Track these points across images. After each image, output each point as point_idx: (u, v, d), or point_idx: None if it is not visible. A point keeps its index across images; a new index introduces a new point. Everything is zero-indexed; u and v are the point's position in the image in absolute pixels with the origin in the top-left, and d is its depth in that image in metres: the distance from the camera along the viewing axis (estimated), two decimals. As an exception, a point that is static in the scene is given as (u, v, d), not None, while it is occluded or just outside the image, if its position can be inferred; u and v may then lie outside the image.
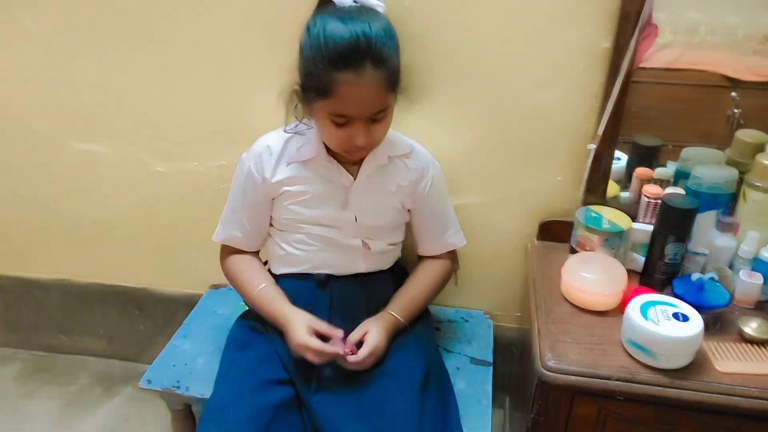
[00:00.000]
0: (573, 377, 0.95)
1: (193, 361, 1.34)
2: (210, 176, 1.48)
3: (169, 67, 1.36)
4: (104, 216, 1.60)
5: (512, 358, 1.55)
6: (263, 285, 1.17)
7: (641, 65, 1.28)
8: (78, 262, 1.70)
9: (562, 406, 0.99)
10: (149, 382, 1.28)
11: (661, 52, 1.31)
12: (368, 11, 0.99)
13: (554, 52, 1.20)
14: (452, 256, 1.30)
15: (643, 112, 1.36)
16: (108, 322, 1.79)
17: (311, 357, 1.05)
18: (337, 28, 0.94)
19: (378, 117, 1.02)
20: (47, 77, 1.42)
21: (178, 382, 1.28)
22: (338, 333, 1.07)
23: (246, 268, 1.22)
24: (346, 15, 0.96)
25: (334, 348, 1.05)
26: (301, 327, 1.06)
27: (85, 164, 1.52)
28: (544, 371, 0.96)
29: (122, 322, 1.78)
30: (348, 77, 0.95)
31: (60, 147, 1.51)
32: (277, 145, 1.15)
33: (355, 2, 1.00)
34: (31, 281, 1.77)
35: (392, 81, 1.01)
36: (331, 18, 0.96)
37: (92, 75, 1.40)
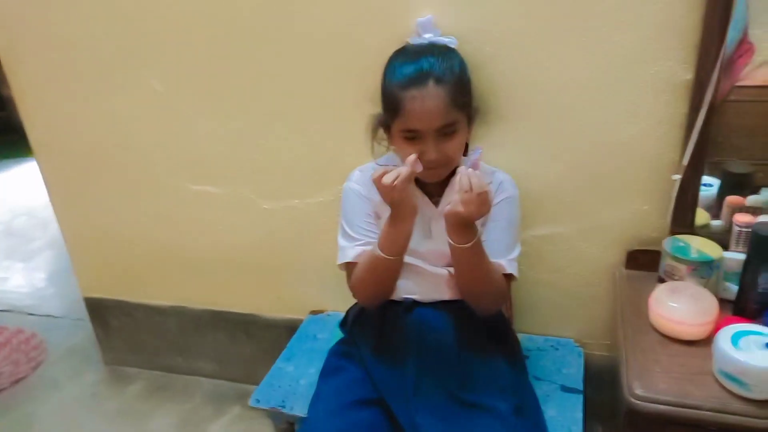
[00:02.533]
0: (662, 406, 0.97)
1: (296, 382, 1.45)
2: (309, 212, 1.61)
3: (272, 117, 1.51)
4: (217, 249, 1.77)
5: (604, 386, 1.55)
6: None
7: (738, 84, 1.28)
8: (193, 291, 1.89)
9: (651, 435, 1.00)
10: (258, 401, 1.40)
11: (759, 70, 1.30)
12: (438, 47, 1.14)
13: (637, 85, 1.23)
14: (507, 282, 1.23)
15: (740, 132, 1.35)
16: (218, 346, 1.96)
17: (389, 183, 1.03)
18: (406, 61, 1.11)
19: (446, 131, 1.10)
20: (170, 130, 1.62)
21: (283, 401, 1.39)
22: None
23: (364, 257, 1.20)
24: (417, 51, 1.13)
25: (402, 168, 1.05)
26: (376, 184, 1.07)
27: (200, 204, 1.70)
28: (632, 400, 0.99)
29: (231, 345, 1.94)
30: (412, 93, 1.07)
31: (180, 189, 1.70)
32: (371, 171, 1.23)
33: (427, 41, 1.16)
34: (153, 307, 1.97)
35: (457, 98, 1.09)
36: (404, 54, 1.14)
37: (207, 127, 1.58)
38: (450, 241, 1.10)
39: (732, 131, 1.34)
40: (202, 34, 1.46)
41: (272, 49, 1.43)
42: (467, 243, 1.08)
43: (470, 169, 1.03)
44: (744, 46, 1.30)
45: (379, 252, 1.13)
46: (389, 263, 1.15)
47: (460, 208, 1.03)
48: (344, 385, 1.22)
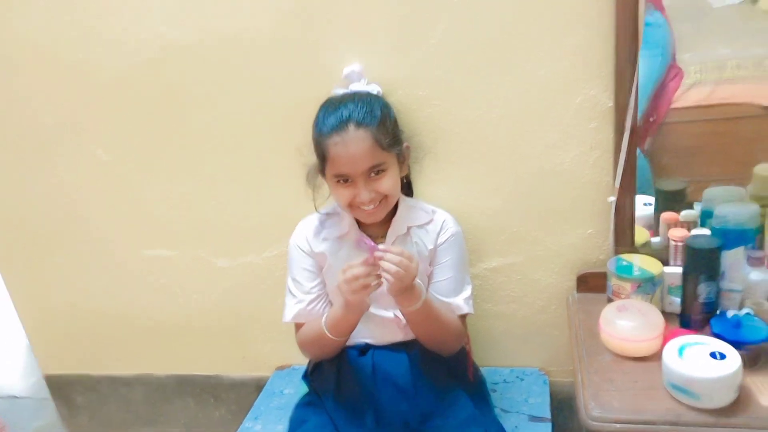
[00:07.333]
0: (618, 425, 0.98)
1: (264, 441, 1.43)
2: (266, 266, 1.61)
3: (217, 176, 1.53)
4: (176, 312, 1.74)
5: (573, 413, 1.55)
6: (323, 317, 1.22)
7: (673, 106, 1.34)
8: (156, 357, 1.84)
9: (613, 455, 1.00)
10: (226, 464, 1.37)
11: (691, 92, 1.37)
12: (359, 94, 1.20)
13: (566, 115, 1.29)
14: (463, 321, 1.28)
15: (680, 153, 1.41)
16: (187, 412, 1.90)
17: (355, 278, 1.06)
18: (329, 111, 1.16)
19: (375, 170, 1.14)
20: (118, 197, 1.62)
21: (252, 462, 1.36)
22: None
23: (311, 323, 1.26)
24: (338, 100, 1.18)
25: (360, 261, 1.08)
26: (339, 278, 1.10)
27: (155, 268, 1.69)
28: (590, 421, 1.00)
29: (200, 410, 1.89)
30: (335, 140, 1.12)
31: (133, 256, 1.68)
32: (315, 223, 1.29)
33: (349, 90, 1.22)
34: (116, 378, 1.91)
35: (381, 140, 1.13)
36: (327, 105, 1.19)
37: (155, 191, 1.59)
38: (400, 307, 1.15)
39: (673, 151, 1.40)
40: (142, 101, 1.49)
41: (212, 110, 1.46)
42: (416, 305, 1.13)
43: (378, 251, 1.06)
44: (673, 71, 1.38)
45: (325, 330, 1.18)
46: (333, 342, 1.20)
47: (395, 284, 1.06)
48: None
